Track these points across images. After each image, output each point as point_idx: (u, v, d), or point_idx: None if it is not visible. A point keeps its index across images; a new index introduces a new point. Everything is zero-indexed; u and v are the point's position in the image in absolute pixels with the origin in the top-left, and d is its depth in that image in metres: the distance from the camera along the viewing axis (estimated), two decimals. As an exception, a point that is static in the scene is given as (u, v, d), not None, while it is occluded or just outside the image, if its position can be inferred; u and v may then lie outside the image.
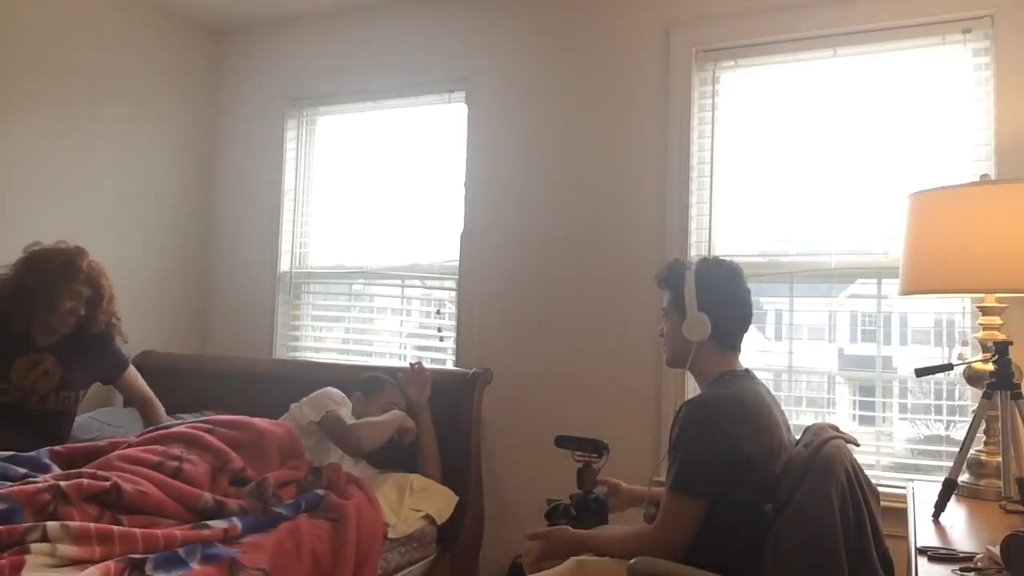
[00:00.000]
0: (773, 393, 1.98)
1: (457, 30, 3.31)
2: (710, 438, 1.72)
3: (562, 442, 2.21)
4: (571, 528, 1.96)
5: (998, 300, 2.07)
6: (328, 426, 2.57)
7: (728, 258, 2.02)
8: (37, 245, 2.61)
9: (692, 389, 2.65)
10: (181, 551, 1.87)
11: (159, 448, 2.23)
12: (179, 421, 2.52)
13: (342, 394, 2.70)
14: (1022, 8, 2.40)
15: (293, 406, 2.67)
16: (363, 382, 2.82)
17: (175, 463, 2.17)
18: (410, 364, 2.90)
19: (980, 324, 2.09)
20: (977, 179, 2.11)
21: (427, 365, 2.93)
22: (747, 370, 1.94)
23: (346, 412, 2.63)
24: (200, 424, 2.43)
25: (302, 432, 2.57)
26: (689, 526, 1.73)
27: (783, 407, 1.98)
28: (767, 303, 2.79)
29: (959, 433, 2.38)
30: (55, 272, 2.53)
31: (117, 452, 2.20)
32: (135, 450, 2.21)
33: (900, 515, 1.97)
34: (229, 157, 3.84)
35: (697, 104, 2.86)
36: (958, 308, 2.50)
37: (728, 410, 1.75)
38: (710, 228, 2.83)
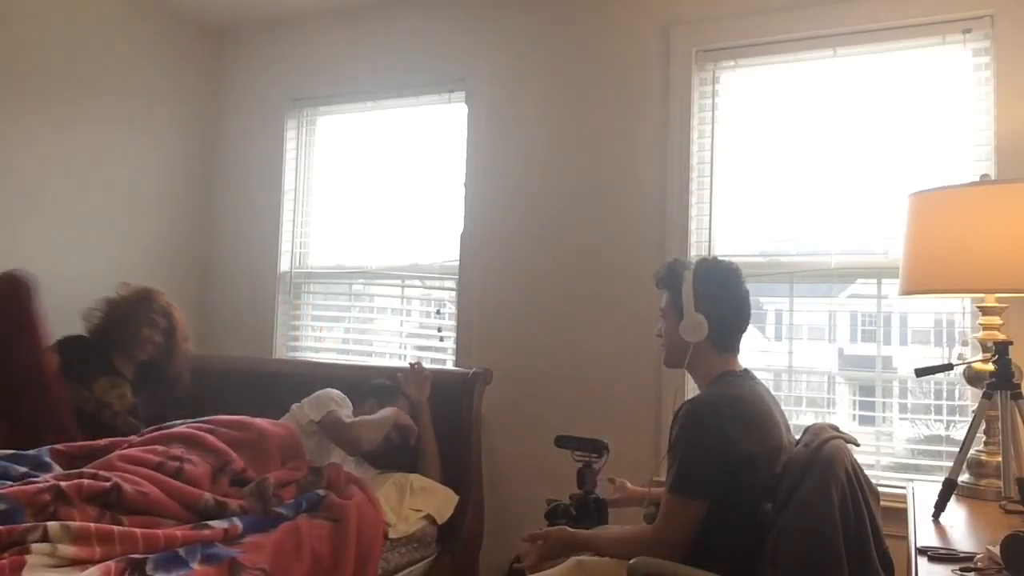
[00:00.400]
0: (773, 393, 1.98)
1: (457, 30, 3.31)
2: (710, 438, 1.72)
3: (562, 442, 2.21)
4: (570, 528, 1.96)
5: (998, 300, 2.07)
6: (327, 426, 2.57)
7: (728, 258, 2.01)
8: (124, 286, 2.94)
9: (692, 389, 2.63)
10: (181, 551, 1.87)
11: (160, 448, 2.23)
12: (180, 421, 2.52)
13: (342, 395, 2.70)
14: (1022, 8, 2.40)
15: (294, 406, 2.67)
16: (375, 388, 2.81)
17: (176, 463, 2.17)
18: (409, 364, 2.90)
19: (980, 324, 2.09)
20: (977, 179, 2.11)
21: (427, 365, 2.93)
22: (746, 370, 1.94)
23: (347, 413, 2.63)
24: (201, 424, 2.43)
25: (302, 432, 2.56)
26: (688, 526, 1.73)
27: (783, 407, 1.98)
28: (767, 303, 2.79)
29: (959, 433, 2.38)
30: (135, 303, 2.87)
31: (118, 452, 2.20)
32: (136, 450, 2.21)
33: (900, 515, 1.97)
34: (229, 157, 3.84)
35: (697, 104, 2.86)
36: (958, 308, 2.50)
37: (728, 410, 1.76)
38: (710, 228, 2.83)
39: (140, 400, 2.85)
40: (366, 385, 2.84)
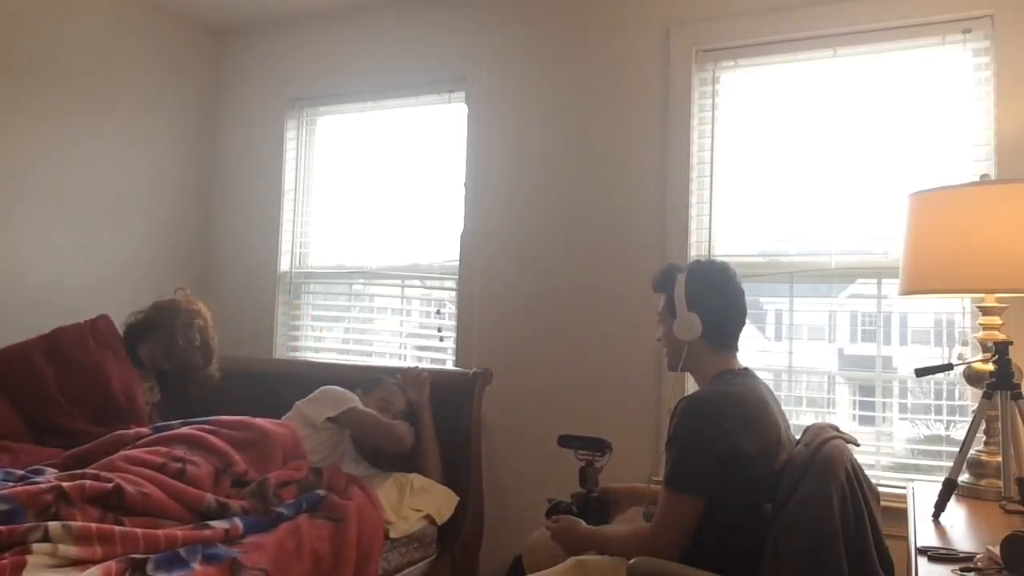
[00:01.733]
0: (773, 393, 1.99)
1: (457, 30, 3.31)
2: (706, 434, 1.74)
3: (565, 442, 2.22)
4: (583, 522, 1.98)
5: (998, 300, 2.07)
6: (360, 421, 2.58)
7: (724, 258, 2.04)
8: (179, 291, 2.98)
9: (692, 388, 2.64)
10: (182, 551, 1.87)
11: (162, 449, 2.23)
12: (181, 422, 2.52)
13: (345, 390, 2.71)
14: (1022, 8, 2.40)
15: (299, 403, 2.67)
16: (362, 382, 2.84)
17: (178, 464, 2.17)
18: (405, 367, 2.91)
19: (980, 324, 2.10)
20: (977, 179, 2.12)
21: (427, 365, 2.94)
22: (746, 369, 1.95)
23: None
24: (203, 425, 2.43)
25: (313, 429, 2.57)
26: (686, 523, 1.74)
27: (783, 407, 1.99)
28: (767, 303, 2.79)
29: (959, 433, 2.39)
30: (181, 313, 2.88)
31: (121, 453, 2.20)
32: (139, 451, 2.21)
33: (900, 515, 1.97)
34: (229, 157, 3.84)
35: (697, 104, 2.86)
36: (958, 308, 2.50)
37: (725, 406, 1.77)
38: (710, 228, 2.83)
39: (166, 399, 2.92)
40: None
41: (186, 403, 2.96)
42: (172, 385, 2.95)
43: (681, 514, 1.75)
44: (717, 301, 1.93)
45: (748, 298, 1.99)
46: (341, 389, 2.69)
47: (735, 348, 1.97)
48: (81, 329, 2.74)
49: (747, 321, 2.00)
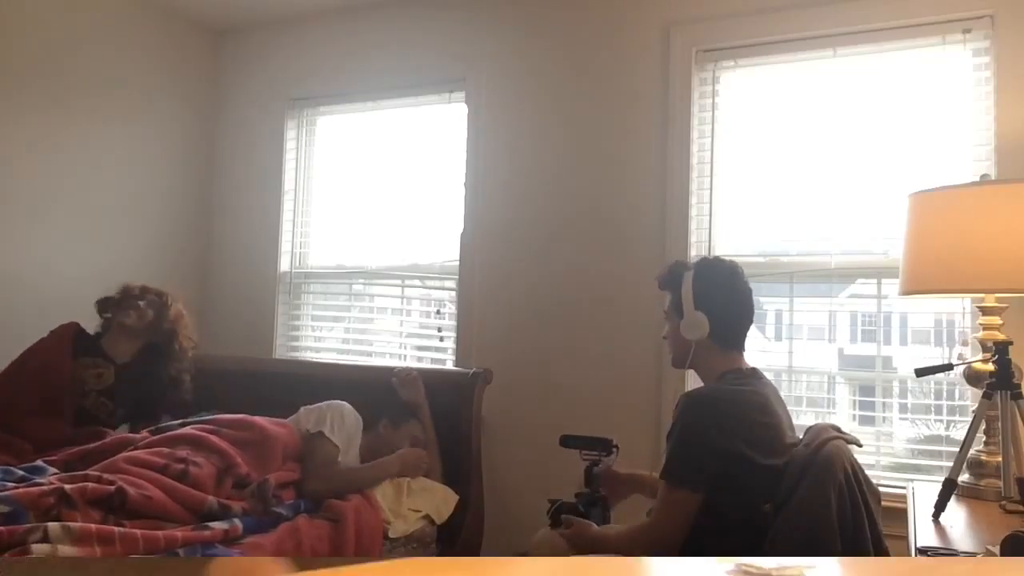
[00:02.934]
0: (779, 394, 1.98)
1: (457, 30, 3.31)
2: (703, 430, 1.74)
3: (568, 442, 2.19)
4: (594, 525, 1.97)
5: (998, 300, 2.07)
6: (314, 451, 2.49)
7: (728, 257, 2.02)
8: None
9: (692, 385, 2.64)
10: (181, 552, 1.87)
11: (165, 450, 2.23)
12: (180, 422, 2.52)
13: (357, 418, 2.62)
14: (1022, 8, 2.40)
15: (303, 409, 2.65)
16: (393, 412, 2.76)
17: (181, 465, 2.17)
18: (395, 372, 2.87)
19: (980, 324, 2.09)
20: (977, 179, 2.12)
21: (427, 365, 2.93)
22: (753, 369, 1.94)
23: (343, 440, 2.54)
24: (204, 425, 2.43)
25: (301, 435, 2.56)
26: (683, 517, 1.74)
27: (783, 407, 1.98)
28: (767, 303, 2.79)
29: (959, 433, 2.38)
30: (134, 290, 2.88)
31: (123, 454, 2.20)
32: (141, 452, 2.21)
33: (900, 515, 1.97)
34: (229, 157, 3.84)
35: (697, 104, 2.86)
36: (958, 308, 2.49)
37: (724, 405, 1.78)
38: (710, 228, 2.83)
39: (123, 386, 2.80)
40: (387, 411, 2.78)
41: (160, 387, 2.89)
42: (145, 368, 2.87)
43: (677, 508, 1.75)
44: (725, 300, 1.91)
45: (748, 298, 1.98)
46: (344, 412, 2.58)
47: (742, 348, 1.96)
48: (44, 342, 2.77)
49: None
